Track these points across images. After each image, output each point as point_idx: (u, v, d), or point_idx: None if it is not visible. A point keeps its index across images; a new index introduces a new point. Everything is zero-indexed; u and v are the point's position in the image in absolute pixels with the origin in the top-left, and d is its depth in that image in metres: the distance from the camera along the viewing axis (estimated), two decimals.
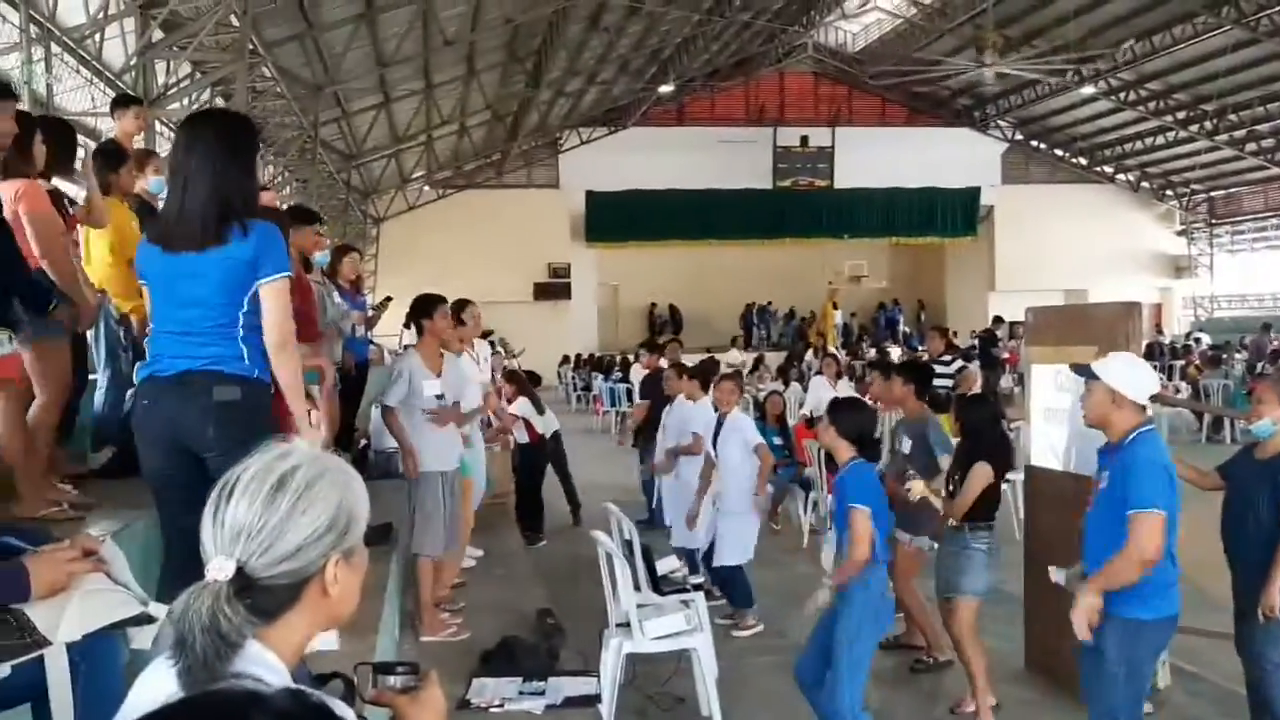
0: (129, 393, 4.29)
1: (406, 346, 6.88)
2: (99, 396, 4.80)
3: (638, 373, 17.64)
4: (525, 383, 10.20)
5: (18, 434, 3.65)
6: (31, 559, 2.06)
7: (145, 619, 2.12)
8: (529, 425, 9.50)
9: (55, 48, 10.28)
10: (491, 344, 11.51)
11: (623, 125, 29.59)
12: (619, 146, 29.44)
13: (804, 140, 30.18)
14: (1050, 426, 5.75)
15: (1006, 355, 18.57)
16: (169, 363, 3.00)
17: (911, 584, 6.01)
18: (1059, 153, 32.17)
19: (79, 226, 4.59)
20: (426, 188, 28.68)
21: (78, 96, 11.14)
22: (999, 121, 31.23)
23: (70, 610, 2.02)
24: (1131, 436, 3.67)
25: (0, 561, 2.07)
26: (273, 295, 3.01)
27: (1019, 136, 31.77)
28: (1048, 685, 5.51)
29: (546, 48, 20.38)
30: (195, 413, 2.94)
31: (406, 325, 6.28)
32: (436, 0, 15.90)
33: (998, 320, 22.64)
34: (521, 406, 9.59)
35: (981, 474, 5.07)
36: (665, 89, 26.88)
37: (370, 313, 8.47)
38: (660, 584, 5.48)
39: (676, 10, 21.14)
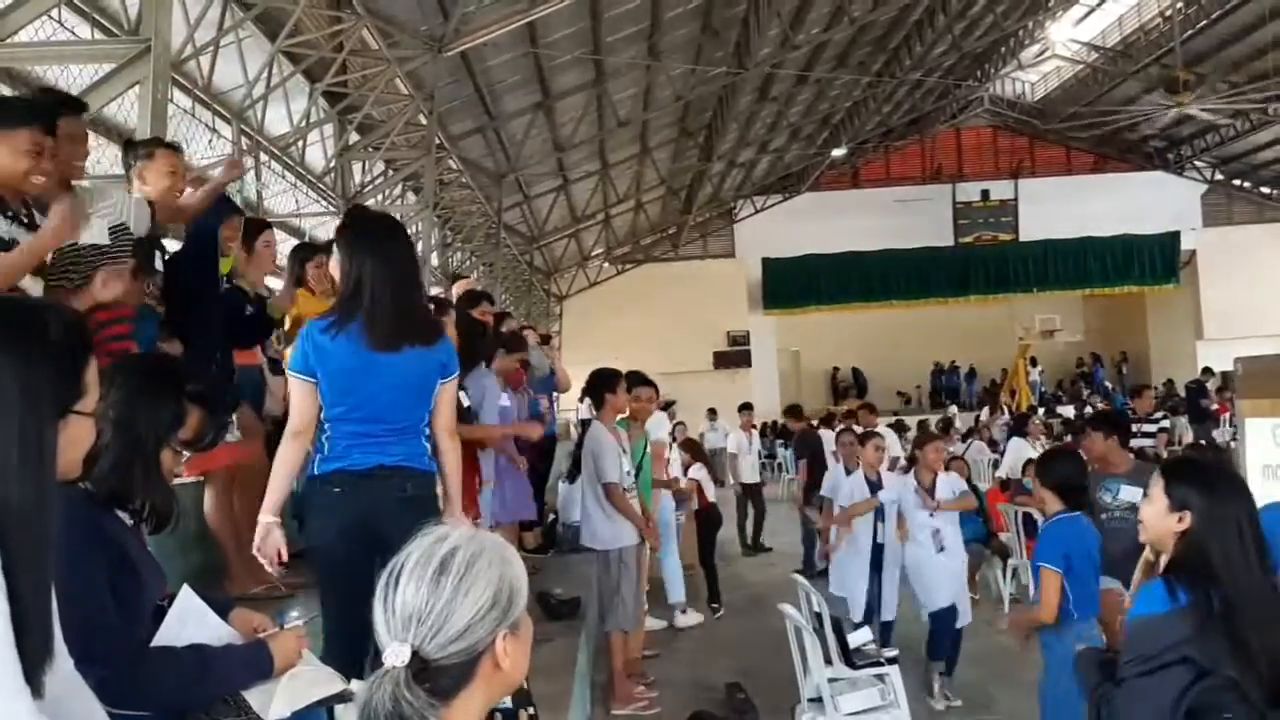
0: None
1: (586, 420, 6.97)
2: (304, 479, 5.07)
3: (827, 437, 17.42)
4: (702, 450, 10.23)
5: (228, 519, 3.94)
6: (272, 639, 2.19)
7: (347, 695, 2.21)
8: (701, 491, 9.49)
9: (263, 156, 11.13)
10: (672, 414, 11.57)
11: (797, 191, 29.57)
12: (794, 213, 29.43)
13: (985, 194, 29.45)
14: (1270, 484, 5.31)
15: (1216, 407, 17.35)
16: (361, 458, 3.06)
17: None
18: (1266, 190, 30.09)
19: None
20: (606, 264, 29.38)
21: (284, 200, 12.03)
22: (1196, 162, 29.54)
23: (280, 689, 2.13)
24: None
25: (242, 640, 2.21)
26: (449, 393, 3.20)
27: (1219, 176, 29.92)
28: None
29: (717, 121, 20.67)
30: (392, 504, 3.01)
31: (581, 399, 6.39)
32: (610, 84, 16.43)
33: (1206, 371, 21.21)
34: (696, 473, 9.61)
35: None
36: (838, 153, 26.68)
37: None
38: (853, 657, 5.32)
39: (846, 74, 21.11)
